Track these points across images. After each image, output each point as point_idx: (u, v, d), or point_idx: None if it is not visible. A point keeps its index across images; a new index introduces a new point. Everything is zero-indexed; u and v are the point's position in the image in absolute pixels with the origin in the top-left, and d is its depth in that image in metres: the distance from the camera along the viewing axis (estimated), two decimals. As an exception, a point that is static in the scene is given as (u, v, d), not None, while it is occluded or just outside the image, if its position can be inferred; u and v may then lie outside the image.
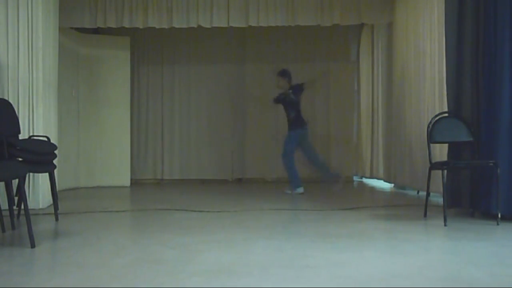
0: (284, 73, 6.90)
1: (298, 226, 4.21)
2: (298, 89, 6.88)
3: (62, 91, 6.58)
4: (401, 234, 3.78)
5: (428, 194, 4.61)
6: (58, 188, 4.91)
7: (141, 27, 7.01)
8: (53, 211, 4.61)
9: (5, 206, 4.16)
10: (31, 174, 5.11)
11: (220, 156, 8.96)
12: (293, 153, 6.76)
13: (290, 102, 6.82)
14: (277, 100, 6.94)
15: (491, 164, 4.16)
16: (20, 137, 4.66)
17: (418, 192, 6.47)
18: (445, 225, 4.08)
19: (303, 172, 7.10)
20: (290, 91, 6.83)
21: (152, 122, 8.99)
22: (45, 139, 4.85)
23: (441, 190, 4.35)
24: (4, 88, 5.12)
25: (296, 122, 6.80)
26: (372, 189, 7.61)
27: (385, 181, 7.81)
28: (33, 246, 3.32)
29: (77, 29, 7.48)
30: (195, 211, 5.09)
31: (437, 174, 4.78)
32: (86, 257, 3.09)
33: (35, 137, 4.95)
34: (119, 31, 8.14)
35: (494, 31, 4.35)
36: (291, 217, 4.73)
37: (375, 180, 8.34)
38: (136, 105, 8.88)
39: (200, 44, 8.90)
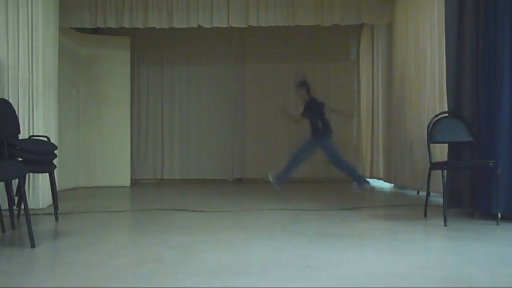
0: (302, 85, 7.03)
1: (298, 226, 4.21)
2: (317, 105, 6.92)
3: (62, 91, 6.58)
4: (401, 234, 3.78)
5: (428, 194, 4.61)
6: (58, 188, 4.90)
7: (141, 27, 7.01)
8: (53, 211, 4.61)
9: (5, 206, 4.16)
10: (31, 174, 5.11)
11: (220, 156, 8.96)
12: (339, 153, 6.85)
13: (313, 109, 6.91)
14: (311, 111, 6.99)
15: (491, 164, 4.16)
16: (20, 137, 4.67)
17: (418, 192, 6.47)
18: (445, 225, 4.08)
19: (299, 172, 7.16)
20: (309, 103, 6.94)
21: (152, 122, 8.98)
22: (45, 139, 4.85)
23: (441, 190, 4.35)
24: (4, 88, 5.12)
25: (326, 128, 6.88)
26: (372, 189, 7.61)
27: (385, 181, 7.81)
28: (33, 246, 3.31)
29: (77, 29, 7.48)
30: (195, 211, 5.09)
31: (437, 174, 4.78)
32: (86, 257, 3.09)
33: (35, 137, 4.95)
34: (119, 31, 8.15)
35: (494, 31, 4.35)
36: (291, 217, 4.73)
37: (375, 180, 8.34)
38: (136, 105, 8.87)
39: (200, 44, 8.90)
